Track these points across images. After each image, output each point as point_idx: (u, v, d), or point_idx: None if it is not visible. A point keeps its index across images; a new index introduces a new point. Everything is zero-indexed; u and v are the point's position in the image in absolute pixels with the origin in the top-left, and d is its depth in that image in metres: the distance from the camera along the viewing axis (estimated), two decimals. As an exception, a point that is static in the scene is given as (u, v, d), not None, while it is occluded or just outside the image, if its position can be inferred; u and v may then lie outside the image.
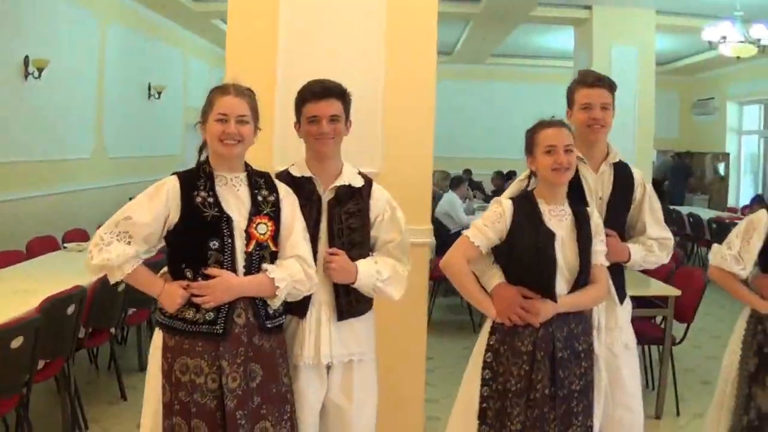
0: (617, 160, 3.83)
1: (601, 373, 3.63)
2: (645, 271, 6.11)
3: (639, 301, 4.86)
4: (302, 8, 4.44)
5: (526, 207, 3.46)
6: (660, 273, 6.30)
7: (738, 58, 11.10)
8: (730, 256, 3.93)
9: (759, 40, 10.72)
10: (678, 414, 6.06)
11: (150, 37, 13.24)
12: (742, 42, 10.86)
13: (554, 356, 3.37)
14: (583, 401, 3.43)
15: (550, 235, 3.39)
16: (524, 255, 3.39)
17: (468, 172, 16.87)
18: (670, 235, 3.93)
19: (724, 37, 10.11)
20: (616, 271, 3.80)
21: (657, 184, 12.89)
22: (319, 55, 4.37)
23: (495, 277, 3.48)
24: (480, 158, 18.45)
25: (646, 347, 6.48)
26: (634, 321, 4.02)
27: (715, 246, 4.08)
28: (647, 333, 5.96)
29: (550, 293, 3.37)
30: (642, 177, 3.93)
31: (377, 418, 3.59)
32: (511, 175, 16.04)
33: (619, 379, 3.79)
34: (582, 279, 3.44)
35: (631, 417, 3.82)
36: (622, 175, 3.85)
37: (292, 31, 4.43)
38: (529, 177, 3.66)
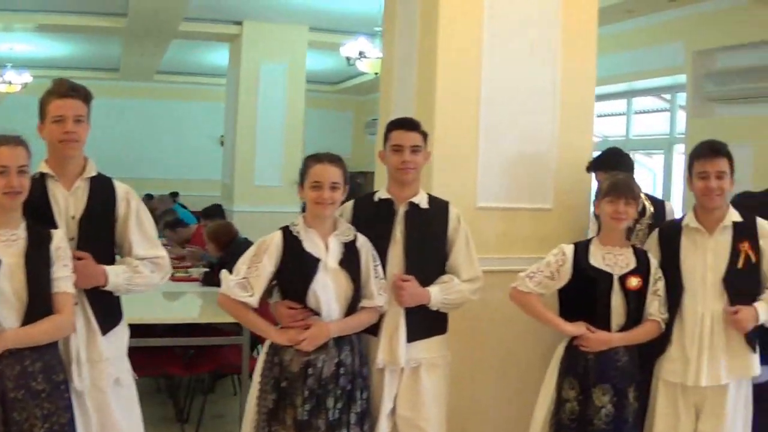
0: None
1: (88, 413, 3.36)
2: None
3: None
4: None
5: None
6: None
7: (376, 74, 11.11)
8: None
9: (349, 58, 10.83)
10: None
11: None
12: (380, 57, 10.87)
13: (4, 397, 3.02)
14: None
15: None
16: None
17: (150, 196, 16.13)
18: None
19: (361, 53, 10.01)
20: None
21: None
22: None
23: None
24: (150, 178, 17.65)
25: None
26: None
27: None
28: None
29: None
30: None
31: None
32: (175, 195, 15.47)
33: (110, 417, 3.46)
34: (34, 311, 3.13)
35: None
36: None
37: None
38: None
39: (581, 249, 3.91)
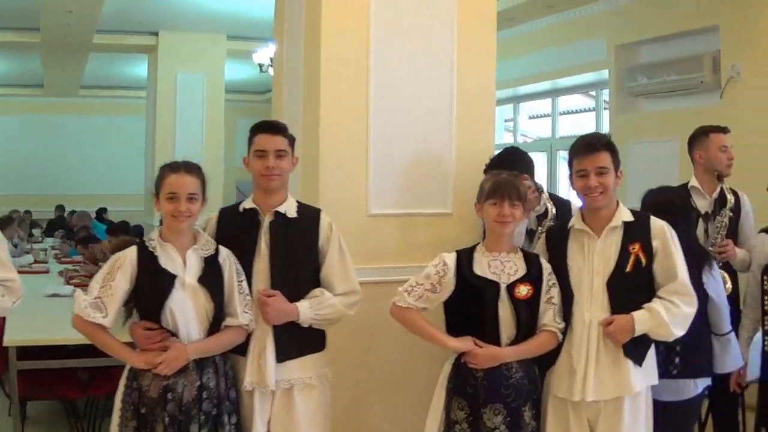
0: None
1: None
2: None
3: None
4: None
5: None
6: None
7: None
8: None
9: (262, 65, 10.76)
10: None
11: None
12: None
13: None
14: None
15: None
16: None
17: (61, 208, 15.76)
18: None
19: (273, 59, 9.62)
20: None
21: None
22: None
23: None
24: (76, 194, 17.08)
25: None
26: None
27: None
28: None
29: None
30: None
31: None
32: (103, 211, 15.08)
33: None
34: None
35: None
36: None
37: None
38: None
39: (464, 257, 3.55)
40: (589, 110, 10.06)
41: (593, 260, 3.51)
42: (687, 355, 3.78)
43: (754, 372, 4.39)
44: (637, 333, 3.41)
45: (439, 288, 3.50)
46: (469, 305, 3.49)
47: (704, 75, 7.44)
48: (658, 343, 3.59)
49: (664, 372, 3.69)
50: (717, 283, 3.96)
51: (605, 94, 9.28)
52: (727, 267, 4.54)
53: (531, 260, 3.56)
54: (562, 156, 9.78)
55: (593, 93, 9.79)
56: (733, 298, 4.48)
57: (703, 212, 4.68)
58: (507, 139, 11.06)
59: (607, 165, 3.49)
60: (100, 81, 16.69)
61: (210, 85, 11.99)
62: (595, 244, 3.52)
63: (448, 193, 4.39)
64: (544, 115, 10.87)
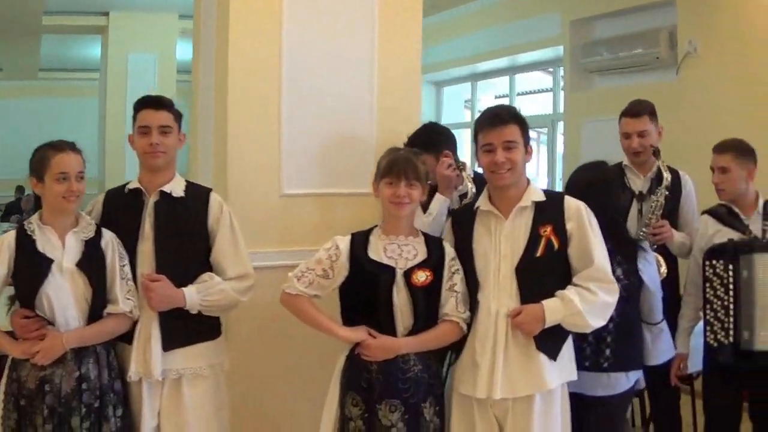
0: None
1: None
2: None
3: None
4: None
5: None
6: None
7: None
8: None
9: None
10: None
11: None
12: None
13: None
14: None
15: None
16: None
17: (21, 189, 15.35)
18: None
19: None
20: None
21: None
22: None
23: None
24: (36, 177, 16.57)
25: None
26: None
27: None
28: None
29: None
30: None
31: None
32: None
33: None
34: None
35: None
36: None
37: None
38: None
39: (359, 240, 3.26)
40: (548, 90, 9.66)
41: (500, 244, 3.20)
42: (618, 346, 3.48)
43: (698, 365, 4.12)
44: (549, 324, 3.09)
45: (331, 273, 3.22)
46: (363, 292, 3.20)
47: (660, 51, 7.09)
48: (585, 335, 3.31)
49: (594, 365, 3.42)
50: (651, 267, 3.66)
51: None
52: (664, 250, 4.23)
53: (432, 244, 3.28)
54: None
55: (551, 70, 9.39)
56: (668, 283, 4.18)
57: (637, 192, 4.35)
58: (467, 118, 10.66)
59: (515, 139, 3.18)
60: (58, 63, 16.22)
61: (162, 65, 11.58)
62: (503, 227, 3.21)
63: (368, 173, 4.01)
64: (502, 96, 10.50)
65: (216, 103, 4.04)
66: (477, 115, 10.60)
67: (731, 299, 3.79)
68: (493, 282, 3.18)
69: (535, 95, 10.28)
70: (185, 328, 3.29)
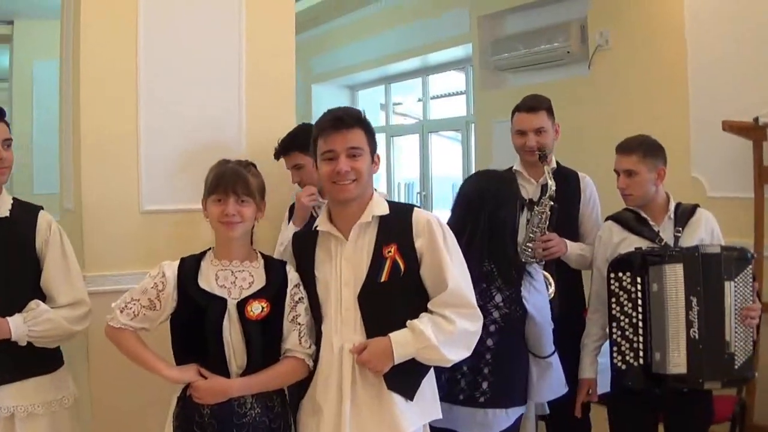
0: None
1: None
2: None
3: None
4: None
5: None
6: None
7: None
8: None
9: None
10: None
11: None
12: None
13: None
14: None
15: None
16: None
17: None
18: None
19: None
20: None
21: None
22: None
23: None
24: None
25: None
26: None
27: None
28: None
29: None
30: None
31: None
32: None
33: None
34: None
35: None
36: None
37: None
38: None
39: (188, 266, 2.82)
40: (461, 93, 9.21)
41: (341, 269, 2.73)
42: (497, 380, 3.01)
43: (605, 386, 3.62)
44: (399, 359, 2.62)
45: (158, 305, 2.78)
46: (193, 326, 2.76)
47: (571, 45, 6.66)
48: (461, 364, 2.82)
49: (468, 400, 2.96)
50: (538, 296, 3.16)
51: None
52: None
53: (273, 270, 2.84)
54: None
55: (464, 69, 8.91)
56: (571, 299, 3.77)
57: (527, 199, 3.82)
58: (381, 122, 10.19)
59: (361, 145, 2.72)
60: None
61: (69, 72, 10.93)
62: (344, 248, 2.73)
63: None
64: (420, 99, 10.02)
65: (73, 114, 3.75)
66: (392, 118, 10.27)
67: (640, 316, 3.34)
68: (335, 313, 2.73)
69: (450, 98, 9.79)
70: (15, 361, 2.88)
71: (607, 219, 3.67)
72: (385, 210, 2.75)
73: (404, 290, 2.69)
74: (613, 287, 3.41)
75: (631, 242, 3.47)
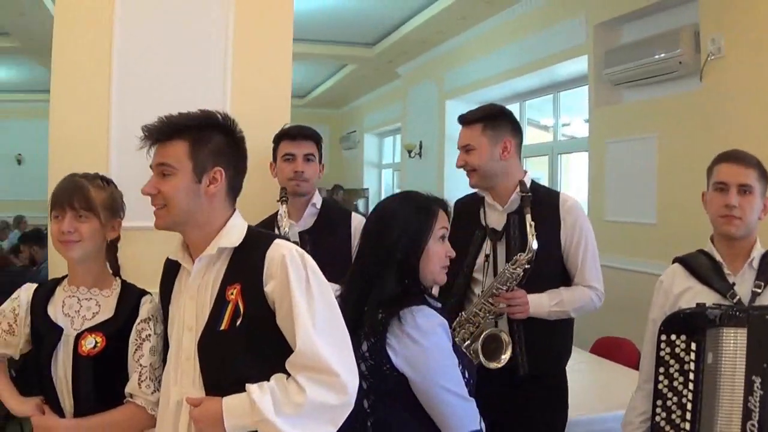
0: None
1: None
2: None
3: None
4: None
5: None
6: None
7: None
8: None
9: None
10: None
11: None
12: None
13: None
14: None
15: None
16: None
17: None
18: None
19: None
20: None
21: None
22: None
23: None
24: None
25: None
26: None
27: None
28: None
29: None
30: None
31: None
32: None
33: None
34: None
35: None
36: None
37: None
38: None
39: (44, 291, 2.51)
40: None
41: (185, 309, 2.19)
42: None
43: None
44: (233, 430, 2.00)
45: (16, 329, 2.47)
46: (29, 356, 2.47)
47: (683, 54, 5.73)
48: None
49: None
50: (420, 348, 2.25)
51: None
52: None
53: (126, 300, 2.46)
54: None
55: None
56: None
57: (490, 227, 3.14)
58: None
59: (170, 162, 2.18)
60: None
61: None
62: (189, 285, 2.20)
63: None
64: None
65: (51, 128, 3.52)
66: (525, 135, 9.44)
67: (690, 395, 2.51)
68: (176, 360, 2.20)
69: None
70: None
71: (674, 261, 2.83)
72: (235, 241, 2.17)
73: (252, 342, 2.08)
74: (662, 353, 2.61)
75: (696, 294, 2.64)
